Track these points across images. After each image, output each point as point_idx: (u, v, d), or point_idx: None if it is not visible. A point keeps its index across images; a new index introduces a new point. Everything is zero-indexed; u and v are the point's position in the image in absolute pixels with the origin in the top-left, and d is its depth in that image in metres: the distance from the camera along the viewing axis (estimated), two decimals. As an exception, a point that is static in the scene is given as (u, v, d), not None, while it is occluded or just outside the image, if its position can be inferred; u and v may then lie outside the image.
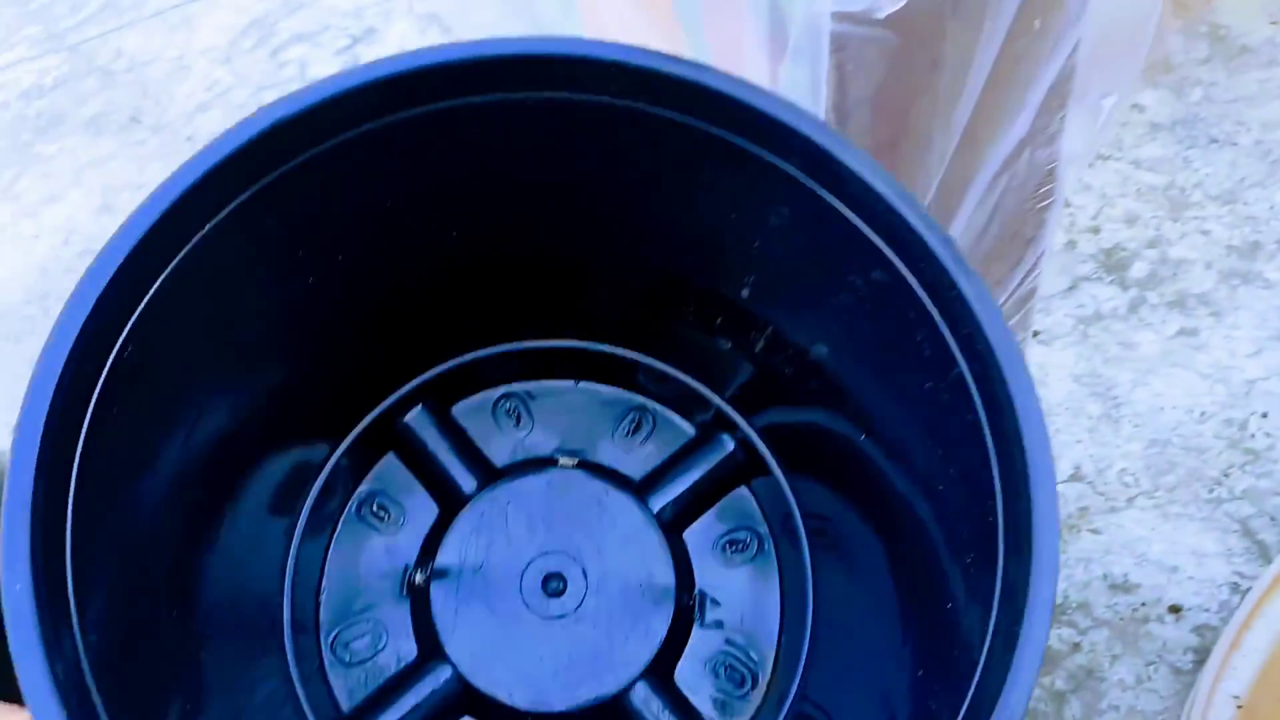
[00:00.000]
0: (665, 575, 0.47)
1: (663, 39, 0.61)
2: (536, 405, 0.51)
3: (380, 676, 0.46)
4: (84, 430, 0.34)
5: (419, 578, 0.47)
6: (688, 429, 0.51)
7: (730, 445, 0.50)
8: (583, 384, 0.52)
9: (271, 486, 0.46)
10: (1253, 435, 0.61)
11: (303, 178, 0.39)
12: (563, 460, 0.48)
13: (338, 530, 0.48)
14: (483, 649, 0.44)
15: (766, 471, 0.51)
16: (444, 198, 0.43)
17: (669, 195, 0.42)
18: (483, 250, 0.47)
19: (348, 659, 0.47)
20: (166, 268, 0.36)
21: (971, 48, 0.44)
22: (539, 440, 0.50)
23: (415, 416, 0.49)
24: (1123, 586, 0.58)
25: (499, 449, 0.50)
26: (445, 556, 0.45)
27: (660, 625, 0.45)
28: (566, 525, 0.47)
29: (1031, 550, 0.29)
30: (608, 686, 0.44)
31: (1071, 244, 0.71)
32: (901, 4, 0.41)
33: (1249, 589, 0.56)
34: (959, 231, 0.52)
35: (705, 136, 0.37)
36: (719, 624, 0.48)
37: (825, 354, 0.43)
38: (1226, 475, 0.60)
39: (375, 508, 0.49)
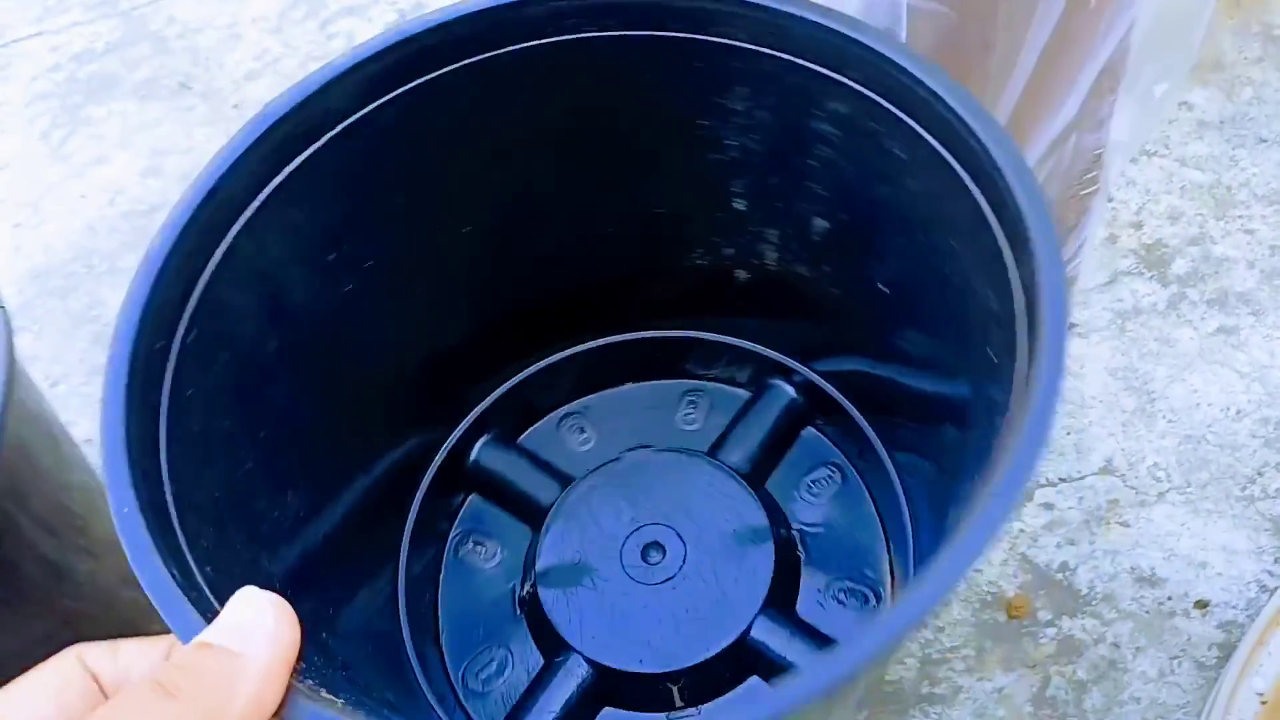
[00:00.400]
0: (757, 517, 0.48)
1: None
2: (595, 416, 0.54)
3: (516, 692, 0.48)
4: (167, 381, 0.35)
5: (526, 590, 0.49)
6: (743, 393, 0.53)
7: (789, 390, 0.52)
8: (633, 385, 0.54)
9: (366, 548, 0.48)
10: (1289, 435, 0.61)
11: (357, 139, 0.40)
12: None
13: (443, 574, 0.51)
14: (604, 631, 0.45)
15: (829, 410, 0.52)
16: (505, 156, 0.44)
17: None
18: (543, 246, 0.49)
19: (480, 688, 0.49)
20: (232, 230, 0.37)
21: (1024, 28, 0.44)
22: (606, 445, 0.53)
23: (484, 452, 0.52)
24: (1150, 580, 0.57)
25: (570, 461, 0.52)
26: (545, 561, 0.47)
27: (764, 562, 0.47)
28: (650, 499, 0.49)
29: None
30: (731, 631, 0.45)
31: (1112, 238, 0.71)
32: (950, -23, 0.41)
33: (1278, 587, 0.55)
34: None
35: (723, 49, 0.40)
36: (825, 556, 0.49)
37: (826, 226, 0.45)
38: (1260, 474, 0.60)
39: (472, 545, 0.51)
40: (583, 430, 0.54)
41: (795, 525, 0.51)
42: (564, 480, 0.51)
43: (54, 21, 1.03)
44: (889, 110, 0.38)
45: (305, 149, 0.38)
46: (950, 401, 0.42)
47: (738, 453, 0.51)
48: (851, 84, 0.39)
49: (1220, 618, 0.56)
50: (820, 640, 0.46)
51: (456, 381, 0.51)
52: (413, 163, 0.42)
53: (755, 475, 0.51)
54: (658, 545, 0.47)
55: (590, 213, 0.48)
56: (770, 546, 0.47)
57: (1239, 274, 0.68)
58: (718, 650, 0.45)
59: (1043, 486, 0.61)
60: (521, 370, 0.53)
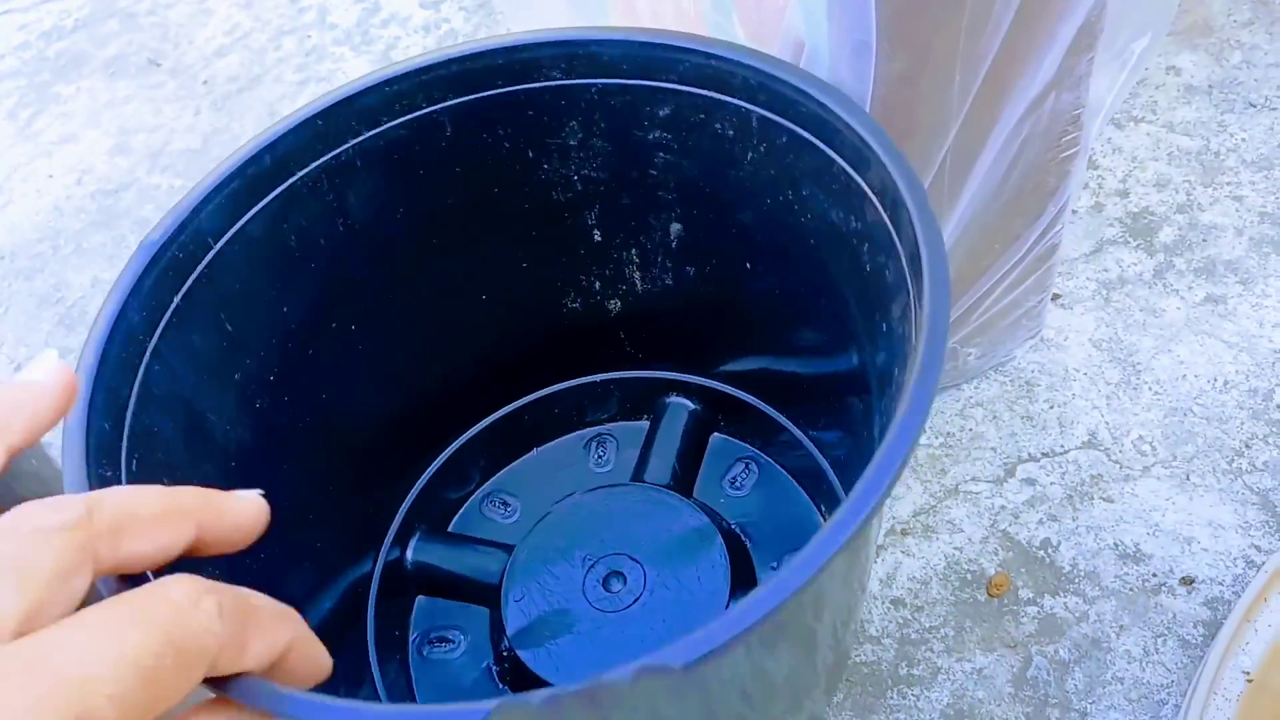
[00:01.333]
0: (696, 518, 0.51)
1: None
2: (512, 487, 0.57)
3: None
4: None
5: (504, 663, 0.51)
6: (645, 423, 0.58)
7: (687, 404, 0.57)
8: (539, 450, 0.58)
9: (336, 670, 0.50)
10: (1277, 406, 0.59)
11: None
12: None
13: (414, 680, 0.53)
14: (591, 666, 0.46)
15: (731, 410, 0.57)
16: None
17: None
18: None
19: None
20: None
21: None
22: (532, 509, 0.56)
23: (419, 551, 0.54)
24: (1134, 556, 0.56)
25: (504, 533, 0.55)
26: (514, 625, 0.50)
27: (719, 554, 0.50)
28: (594, 536, 0.51)
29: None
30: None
31: (1098, 206, 0.69)
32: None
33: (1265, 563, 0.54)
34: (978, 181, 0.50)
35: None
36: (767, 537, 0.53)
37: (680, 230, 0.49)
38: (1248, 446, 0.58)
39: (433, 642, 0.54)
40: (506, 504, 0.57)
41: (731, 521, 0.54)
42: (505, 549, 0.53)
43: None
44: (708, 96, 0.43)
45: (190, 273, 0.39)
46: (846, 377, 0.46)
47: (657, 474, 0.55)
48: (670, 85, 0.43)
49: (1206, 595, 0.54)
50: None
51: (374, 489, 0.53)
52: (285, 275, 0.43)
53: (680, 489, 0.54)
54: (617, 574, 0.50)
55: (460, 287, 0.50)
56: (718, 538, 0.50)
57: (1227, 242, 0.66)
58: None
59: (1025, 462, 0.60)
60: (431, 464, 0.56)
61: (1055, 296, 0.65)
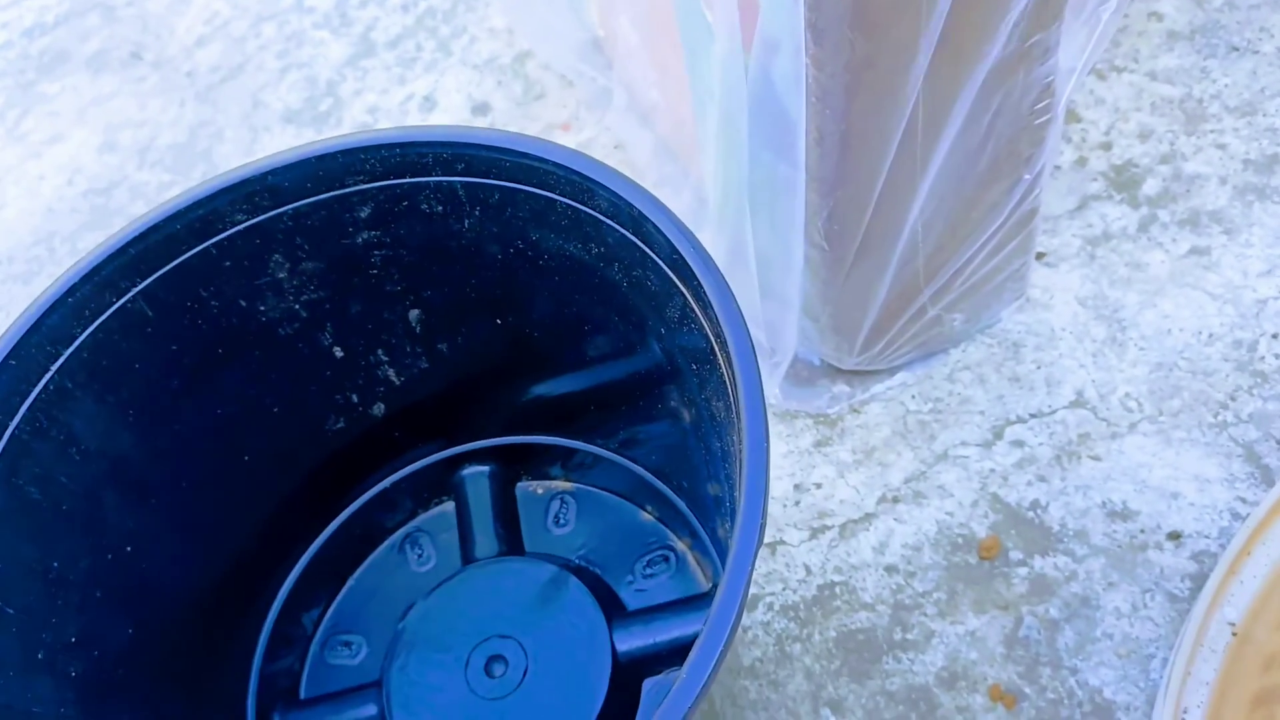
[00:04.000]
0: (544, 570, 0.53)
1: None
2: (346, 626, 0.56)
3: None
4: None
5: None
6: (448, 504, 0.59)
7: (484, 469, 0.57)
8: (356, 575, 0.58)
9: None
10: (1262, 357, 0.60)
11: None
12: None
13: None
14: None
15: (535, 457, 0.58)
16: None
17: None
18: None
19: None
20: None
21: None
22: (376, 639, 0.55)
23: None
24: (1121, 514, 0.57)
25: (358, 674, 0.55)
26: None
27: (580, 593, 0.52)
28: (455, 633, 0.52)
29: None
30: (604, 657, 0.50)
31: (1081, 161, 0.69)
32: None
33: (1250, 515, 0.54)
34: (946, 150, 0.51)
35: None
36: (608, 556, 0.56)
37: (419, 314, 0.50)
38: (1233, 399, 0.59)
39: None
40: (348, 644, 0.56)
41: (574, 557, 0.55)
42: (373, 686, 0.52)
43: (2, -4, 1.01)
44: (405, 183, 0.43)
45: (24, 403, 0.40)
46: (633, 380, 0.49)
47: (485, 548, 0.55)
48: (363, 187, 0.43)
49: (1193, 548, 0.55)
50: (665, 609, 0.51)
51: (211, 685, 0.52)
52: (42, 528, 0.42)
53: (513, 550, 0.55)
54: (496, 658, 0.50)
55: (222, 457, 0.50)
56: (571, 578, 0.52)
57: (1211, 191, 0.66)
58: (604, 694, 0.48)
59: (1013, 424, 0.61)
60: (259, 638, 0.54)
61: (1040, 255, 0.66)
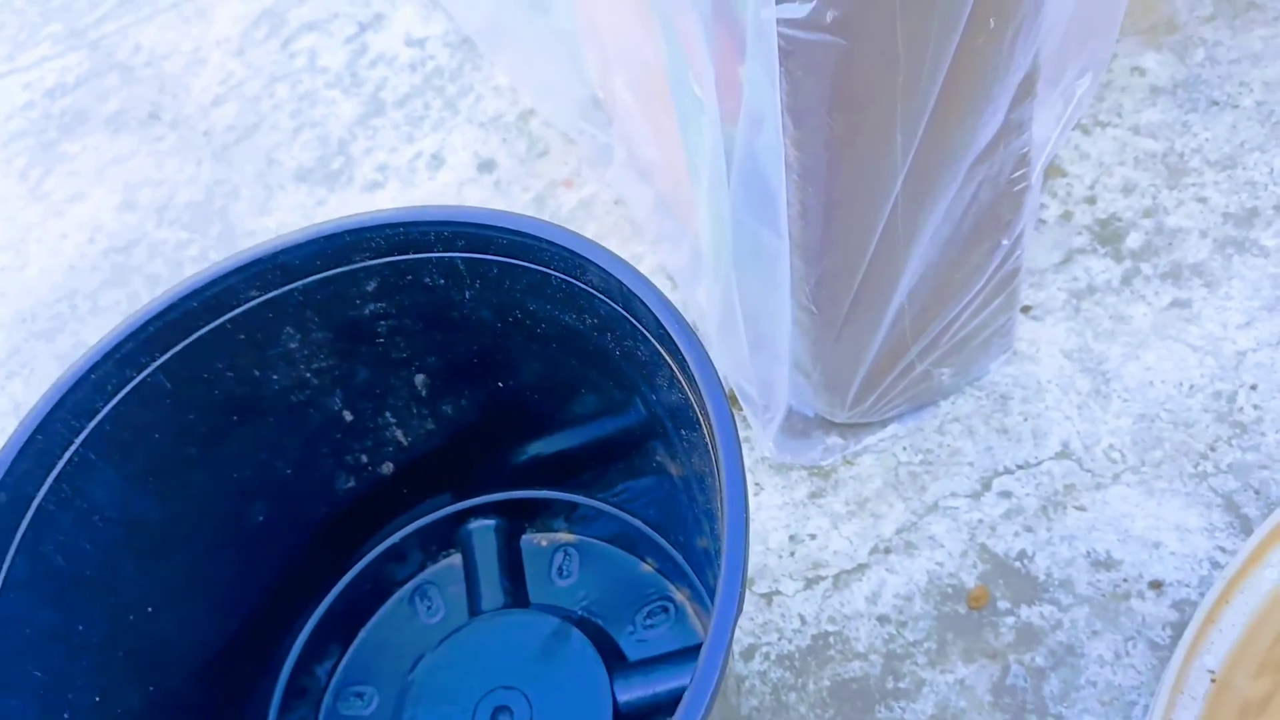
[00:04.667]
0: (548, 623, 0.55)
1: (644, 33, 0.62)
2: (357, 677, 0.59)
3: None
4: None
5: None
6: (454, 557, 0.61)
7: (490, 522, 0.59)
8: (367, 628, 0.60)
9: None
10: (1241, 408, 0.61)
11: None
12: None
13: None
14: None
15: (539, 510, 0.60)
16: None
17: None
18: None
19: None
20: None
21: (925, 46, 0.45)
22: (387, 690, 0.58)
23: None
24: (1105, 563, 0.58)
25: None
26: None
27: (582, 645, 0.53)
28: (462, 685, 0.53)
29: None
30: None
31: (1066, 215, 0.71)
32: (842, 10, 0.42)
33: (1229, 564, 0.56)
34: (928, 220, 0.53)
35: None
36: (610, 605, 0.58)
37: (425, 379, 0.52)
38: (1213, 449, 0.60)
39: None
40: (360, 695, 0.58)
41: (576, 609, 0.57)
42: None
43: (25, 58, 1.04)
44: (409, 259, 0.46)
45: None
46: (625, 437, 0.52)
47: (491, 600, 0.57)
48: (368, 263, 0.46)
49: (1174, 597, 0.57)
50: (664, 659, 0.54)
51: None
52: (64, 596, 0.45)
53: (518, 602, 0.57)
54: (502, 709, 0.52)
55: (234, 519, 0.52)
56: (574, 630, 0.54)
57: (1192, 245, 0.68)
58: None
59: (1001, 475, 0.62)
60: (275, 690, 0.56)
61: (1026, 309, 0.68)
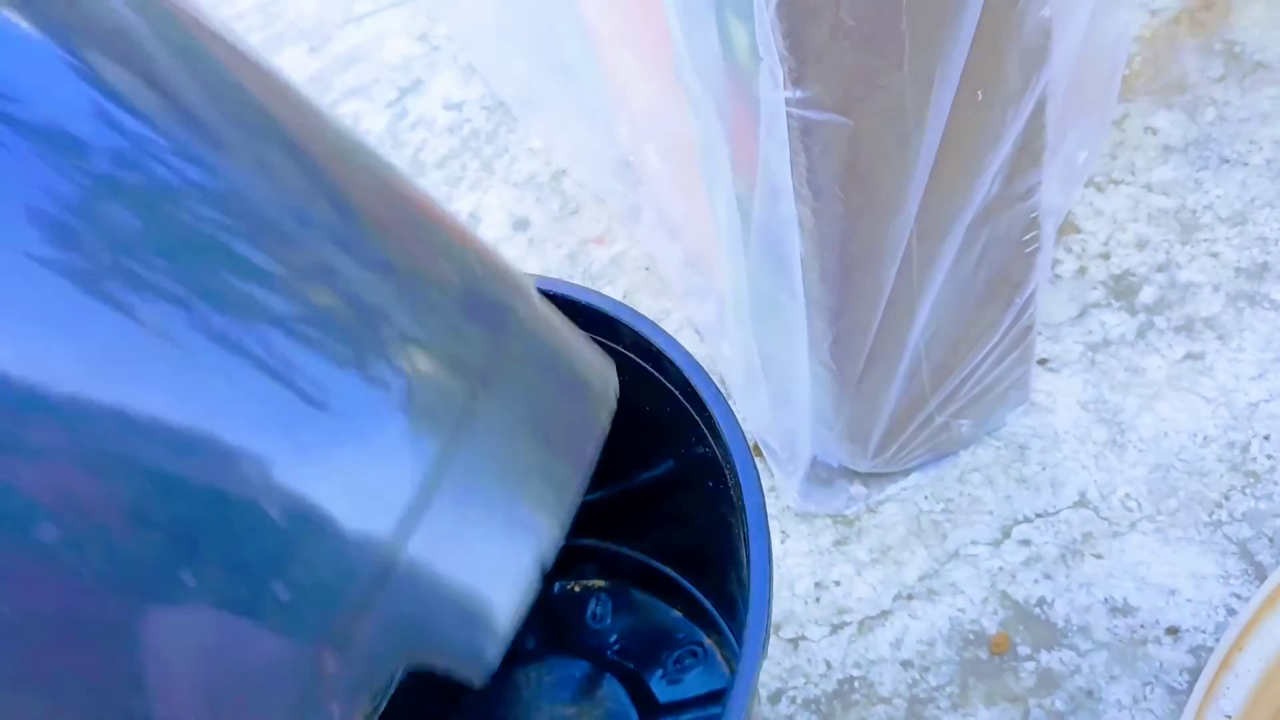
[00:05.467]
0: (580, 668, 0.57)
1: (671, 102, 0.65)
2: None
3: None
4: None
5: None
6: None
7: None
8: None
9: None
10: (1254, 458, 0.63)
11: None
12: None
13: None
14: None
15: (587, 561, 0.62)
16: None
17: None
18: None
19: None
20: None
21: (923, 122, 0.48)
22: None
23: None
24: (1122, 609, 0.60)
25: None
26: None
27: (613, 688, 0.56)
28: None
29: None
30: None
31: (1082, 270, 0.74)
32: (842, 91, 0.45)
33: (1243, 610, 0.58)
34: (941, 280, 0.55)
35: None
36: (643, 652, 0.59)
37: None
38: (1227, 498, 0.62)
39: None
40: None
41: (609, 652, 0.59)
42: None
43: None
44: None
45: None
46: (668, 511, 0.55)
47: (528, 639, 0.60)
48: None
49: (1190, 643, 0.58)
50: (694, 703, 0.56)
51: None
52: None
53: (554, 643, 0.59)
54: None
55: None
56: (606, 674, 0.56)
57: (1204, 298, 0.70)
58: None
59: (1020, 523, 0.64)
60: None
61: (1043, 361, 0.70)
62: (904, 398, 0.61)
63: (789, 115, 0.46)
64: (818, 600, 0.65)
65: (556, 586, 0.63)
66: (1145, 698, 0.57)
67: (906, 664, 0.61)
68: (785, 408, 0.62)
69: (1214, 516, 0.62)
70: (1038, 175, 0.54)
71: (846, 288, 0.54)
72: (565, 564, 0.63)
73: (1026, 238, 0.57)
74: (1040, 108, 0.50)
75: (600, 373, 0.33)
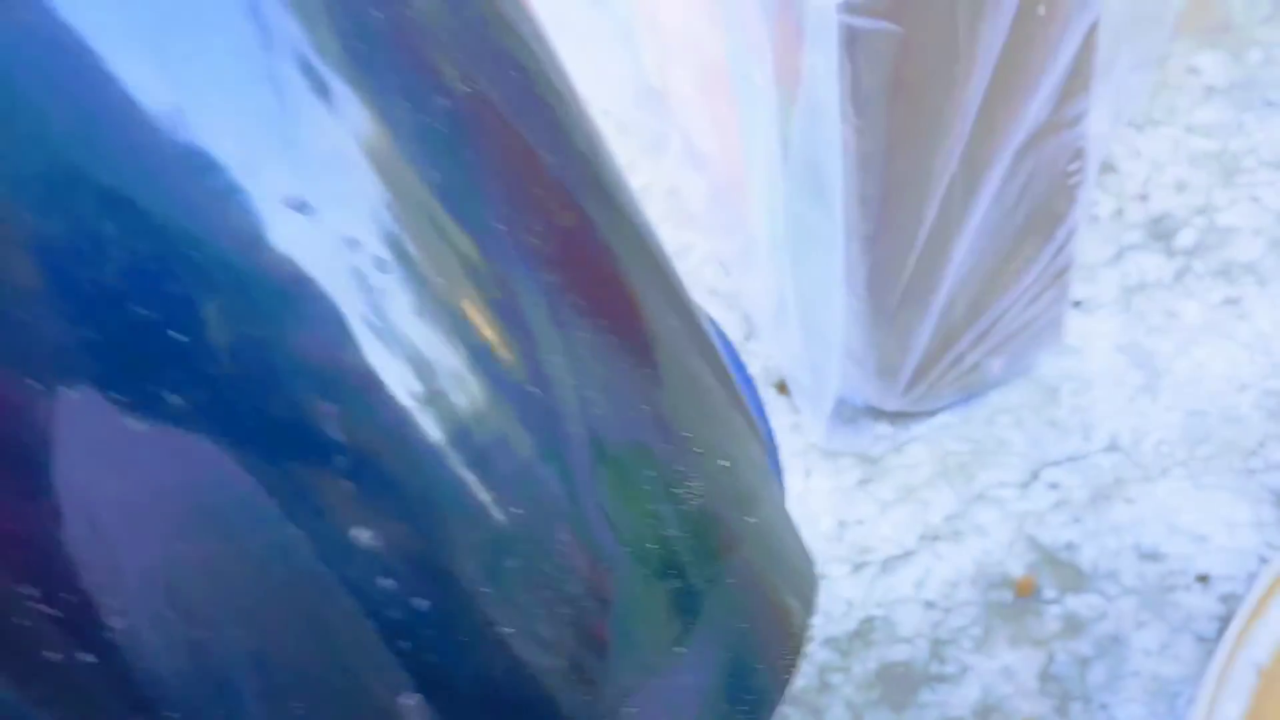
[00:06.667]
0: None
1: (706, 23, 0.63)
2: None
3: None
4: None
5: None
6: None
7: None
8: None
9: None
10: (1292, 405, 0.62)
11: None
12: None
13: None
14: None
15: None
16: None
17: None
18: None
19: None
20: None
21: (978, 35, 0.46)
22: None
23: None
24: (1152, 556, 0.59)
25: None
26: None
27: None
28: None
29: None
30: None
31: (1119, 212, 0.72)
32: (903, -2, 0.43)
33: (1274, 558, 0.57)
34: (982, 208, 0.54)
35: None
36: None
37: None
38: (1262, 446, 0.61)
39: None
40: None
41: None
42: None
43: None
44: None
45: None
46: None
47: None
48: None
49: (1220, 590, 0.57)
50: None
51: None
52: None
53: None
54: None
55: None
56: None
57: (1244, 243, 0.68)
58: None
59: (1049, 466, 0.63)
60: None
61: (1077, 303, 0.68)
62: (937, 333, 0.59)
63: (840, 24, 0.44)
64: (840, 539, 0.63)
65: None
66: (1173, 644, 0.56)
67: (929, 605, 0.60)
68: (815, 342, 0.61)
69: (1248, 464, 0.60)
70: (1085, 101, 0.52)
71: (886, 214, 0.52)
72: None
73: (1071, 168, 0.55)
74: (1094, 28, 0.48)
75: (809, 578, 0.29)
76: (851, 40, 0.45)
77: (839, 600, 0.61)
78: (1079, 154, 0.54)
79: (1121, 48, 0.50)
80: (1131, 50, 0.51)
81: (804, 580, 0.28)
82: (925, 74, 0.46)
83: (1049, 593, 0.59)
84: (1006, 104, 0.49)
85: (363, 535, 0.19)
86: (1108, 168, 0.73)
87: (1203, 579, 0.58)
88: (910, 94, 0.47)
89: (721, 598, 0.25)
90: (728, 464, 0.25)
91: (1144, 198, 0.72)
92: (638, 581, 0.23)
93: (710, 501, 0.24)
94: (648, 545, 0.23)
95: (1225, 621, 0.56)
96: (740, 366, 0.38)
